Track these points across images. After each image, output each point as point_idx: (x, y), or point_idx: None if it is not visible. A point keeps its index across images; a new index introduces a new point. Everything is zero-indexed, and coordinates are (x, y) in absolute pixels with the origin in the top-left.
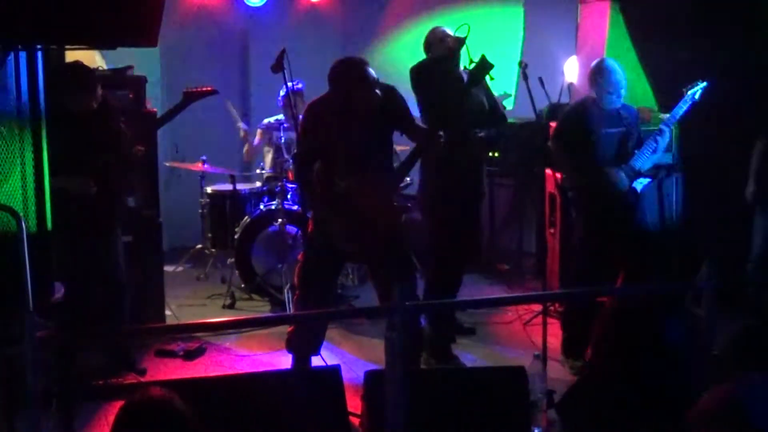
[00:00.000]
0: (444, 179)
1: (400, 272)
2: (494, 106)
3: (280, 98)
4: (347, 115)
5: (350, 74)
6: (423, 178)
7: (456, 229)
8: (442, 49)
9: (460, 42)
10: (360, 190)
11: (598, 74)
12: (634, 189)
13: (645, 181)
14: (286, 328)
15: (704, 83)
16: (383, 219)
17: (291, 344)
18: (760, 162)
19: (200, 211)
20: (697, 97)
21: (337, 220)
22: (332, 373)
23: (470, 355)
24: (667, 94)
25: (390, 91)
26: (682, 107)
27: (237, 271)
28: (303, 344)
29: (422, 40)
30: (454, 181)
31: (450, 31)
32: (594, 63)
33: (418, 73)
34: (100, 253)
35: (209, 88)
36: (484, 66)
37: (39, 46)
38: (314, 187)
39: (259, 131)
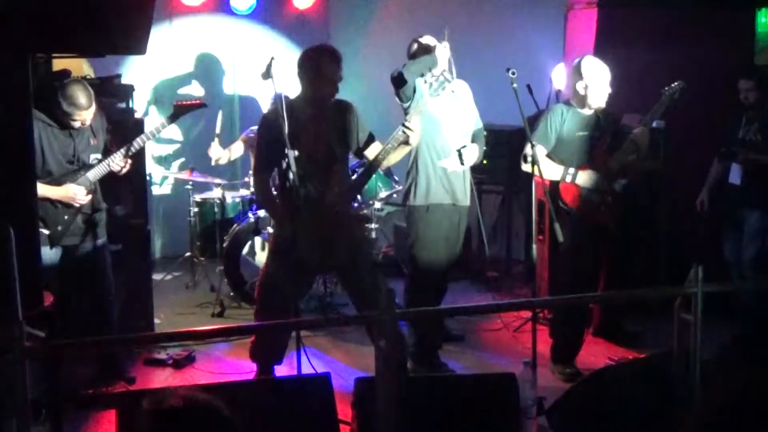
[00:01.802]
0: (427, 189)
1: (368, 280)
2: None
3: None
4: (307, 121)
5: (319, 51)
6: (408, 186)
7: (437, 238)
8: (423, 53)
9: (441, 44)
10: (320, 200)
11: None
12: (613, 190)
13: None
14: None
15: (682, 84)
16: (344, 227)
17: (254, 354)
18: (717, 177)
19: (189, 219)
20: (676, 96)
21: (298, 230)
22: (322, 380)
23: (460, 362)
24: (654, 101)
25: (347, 107)
26: (660, 108)
27: (226, 280)
28: (266, 354)
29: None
30: (437, 191)
31: (432, 38)
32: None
33: (396, 80)
34: (86, 262)
35: (198, 102)
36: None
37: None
38: (275, 199)
39: (242, 138)
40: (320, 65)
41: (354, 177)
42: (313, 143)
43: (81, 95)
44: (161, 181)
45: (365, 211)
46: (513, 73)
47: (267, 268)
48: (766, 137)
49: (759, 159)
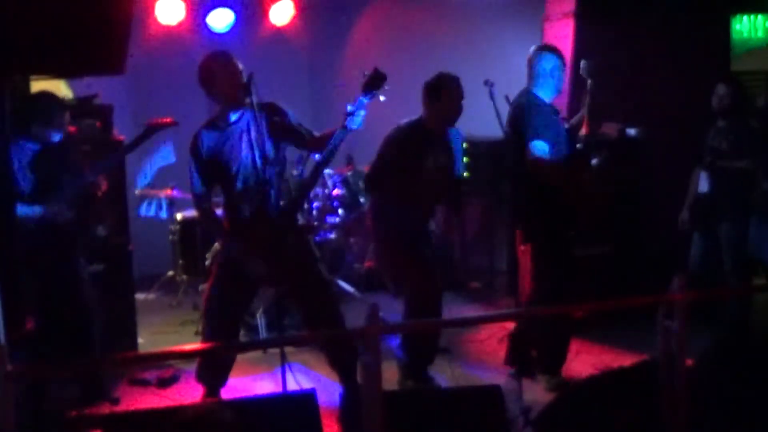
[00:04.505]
0: (396, 213)
1: (316, 293)
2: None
3: None
4: (232, 132)
5: (211, 56)
6: (375, 225)
7: (414, 258)
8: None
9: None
10: (263, 211)
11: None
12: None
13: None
14: (260, 353)
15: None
16: (290, 239)
17: (201, 376)
18: (696, 189)
19: (171, 237)
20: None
21: (245, 244)
22: (307, 397)
23: (445, 374)
24: (632, 110)
25: (271, 106)
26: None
27: None
28: (212, 376)
29: (387, 64)
30: (408, 232)
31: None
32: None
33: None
34: (63, 283)
35: (170, 120)
36: (377, 77)
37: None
38: (217, 218)
39: None
40: (212, 69)
41: (300, 182)
42: (245, 155)
43: (42, 108)
44: (141, 199)
45: (311, 222)
46: (491, 85)
47: (212, 285)
48: (733, 145)
49: (724, 165)
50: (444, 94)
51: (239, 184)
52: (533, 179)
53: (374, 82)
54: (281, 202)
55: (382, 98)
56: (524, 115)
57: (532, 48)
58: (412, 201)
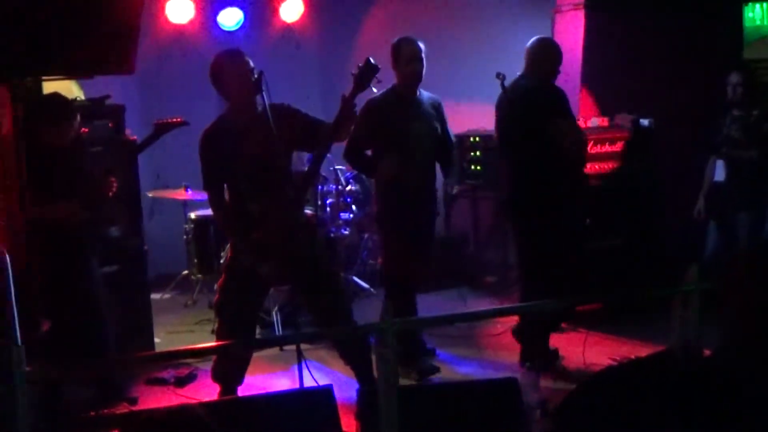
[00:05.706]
0: (394, 198)
1: (328, 289)
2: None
3: None
4: (243, 132)
5: (221, 55)
6: (376, 197)
7: (406, 247)
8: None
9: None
10: (272, 210)
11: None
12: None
13: None
14: (276, 351)
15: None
16: (298, 236)
17: (217, 375)
18: (711, 183)
19: (185, 237)
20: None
21: (253, 244)
22: (325, 393)
23: (461, 368)
24: (644, 100)
25: (281, 108)
26: None
27: None
28: (228, 375)
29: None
30: (403, 201)
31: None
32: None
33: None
34: (77, 285)
35: (179, 120)
36: (369, 69)
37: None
38: (231, 216)
39: None
40: (223, 67)
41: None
42: (255, 154)
43: (54, 109)
44: (155, 200)
45: (320, 216)
46: (503, 78)
47: (224, 285)
48: (748, 134)
49: (740, 155)
50: (399, 55)
51: (248, 183)
52: (539, 162)
53: (366, 74)
54: (287, 197)
55: (374, 90)
56: (541, 95)
57: (533, 39)
58: (399, 162)
